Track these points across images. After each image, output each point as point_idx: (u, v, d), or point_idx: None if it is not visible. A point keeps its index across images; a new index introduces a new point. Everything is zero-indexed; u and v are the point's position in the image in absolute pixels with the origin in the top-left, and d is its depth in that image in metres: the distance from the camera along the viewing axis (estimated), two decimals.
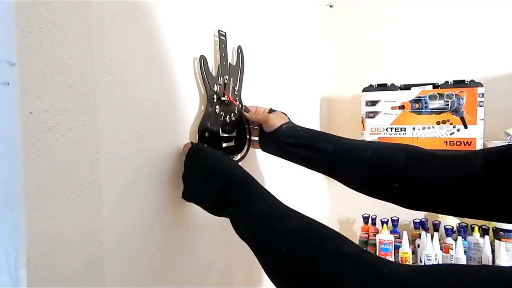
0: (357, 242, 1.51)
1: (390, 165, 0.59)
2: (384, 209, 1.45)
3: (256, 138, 0.80)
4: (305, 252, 0.43)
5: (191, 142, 0.63)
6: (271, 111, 0.78)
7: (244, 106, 0.80)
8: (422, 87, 1.32)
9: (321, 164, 0.68)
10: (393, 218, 1.53)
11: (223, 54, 0.74)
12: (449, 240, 1.38)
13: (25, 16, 0.40)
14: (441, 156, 0.55)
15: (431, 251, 1.36)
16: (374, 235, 1.48)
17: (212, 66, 0.73)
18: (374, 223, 1.57)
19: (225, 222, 0.57)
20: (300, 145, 0.69)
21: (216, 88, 0.71)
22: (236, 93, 0.78)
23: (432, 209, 0.58)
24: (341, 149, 0.65)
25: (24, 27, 0.40)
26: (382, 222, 1.50)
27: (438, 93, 1.28)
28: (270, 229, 0.49)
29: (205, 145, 0.65)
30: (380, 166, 0.60)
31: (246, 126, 0.80)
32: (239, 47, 0.80)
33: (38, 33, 0.42)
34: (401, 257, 1.41)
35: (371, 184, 0.62)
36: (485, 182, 0.49)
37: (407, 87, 1.35)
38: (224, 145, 0.75)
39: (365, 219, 1.58)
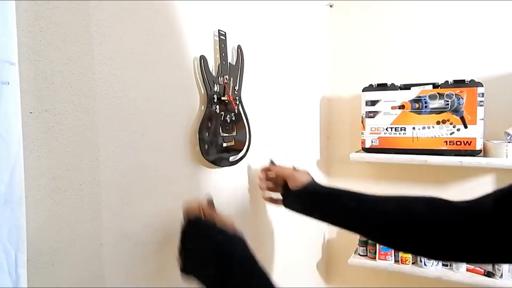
0: (357, 242, 1.51)
1: (412, 218, 0.61)
2: None
3: (274, 194, 0.82)
4: None
5: (187, 214, 0.59)
6: (295, 169, 0.80)
7: (271, 160, 0.85)
8: (422, 87, 1.32)
9: (345, 221, 0.70)
10: None
11: (223, 54, 0.74)
12: None
13: (25, 16, 0.40)
14: (459, 207, 0.58)
15: None
16: None
17: (212, 66, 0.73)
18: None
19: None
20: (325, 204, 0.72)
21: (216, 88, 0.71)
22: (236, 92, 0.78)
23: (454, 258, 0.63)
24: (364, 205, 0.67)
25: (24, 27, 0.40)
26: None
27: (438, 93, 1.28)
28: None
29: (202, 217, 0.60)
30: (403, 220, 0.62)
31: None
32: (239, 47, 0.80)
33: (38, 33, 0.42)
34: (401, 257, 1.41)
35: (396, 237, 0.64)
36: (493, 220, 0.51)
37: (407, 87, 1.34)
38: (224, 144, 0.75)
39: None
